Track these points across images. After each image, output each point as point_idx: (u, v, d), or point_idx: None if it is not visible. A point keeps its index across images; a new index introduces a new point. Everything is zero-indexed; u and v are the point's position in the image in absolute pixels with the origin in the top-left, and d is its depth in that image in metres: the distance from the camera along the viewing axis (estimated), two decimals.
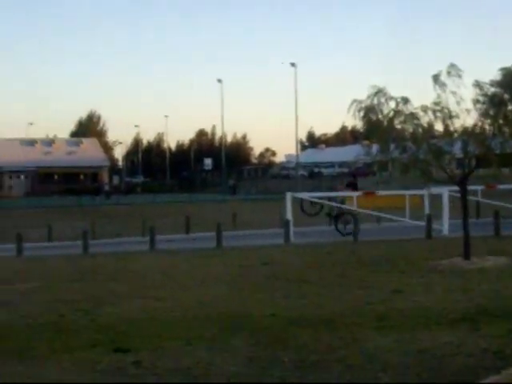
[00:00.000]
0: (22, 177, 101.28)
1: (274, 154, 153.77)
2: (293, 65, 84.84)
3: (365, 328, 10.09)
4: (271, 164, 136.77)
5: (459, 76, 17.07)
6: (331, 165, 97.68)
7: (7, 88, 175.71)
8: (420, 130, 17.86)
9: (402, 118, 17.82)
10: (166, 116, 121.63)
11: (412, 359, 8.40)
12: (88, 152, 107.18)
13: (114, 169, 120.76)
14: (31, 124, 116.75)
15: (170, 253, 23.38)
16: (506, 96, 17.32)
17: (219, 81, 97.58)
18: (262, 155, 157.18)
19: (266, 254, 21.04)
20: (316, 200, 26.98)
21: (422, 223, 25.59)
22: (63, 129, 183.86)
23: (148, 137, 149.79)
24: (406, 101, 17.70)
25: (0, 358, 8.98)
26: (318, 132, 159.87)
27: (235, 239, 26.94)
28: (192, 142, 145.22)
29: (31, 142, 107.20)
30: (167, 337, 9.88)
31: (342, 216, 27.07)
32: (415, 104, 17.75)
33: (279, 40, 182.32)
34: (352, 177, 31.07)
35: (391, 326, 10.13)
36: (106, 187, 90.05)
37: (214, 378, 7.97)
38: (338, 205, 27.37)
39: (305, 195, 30.05)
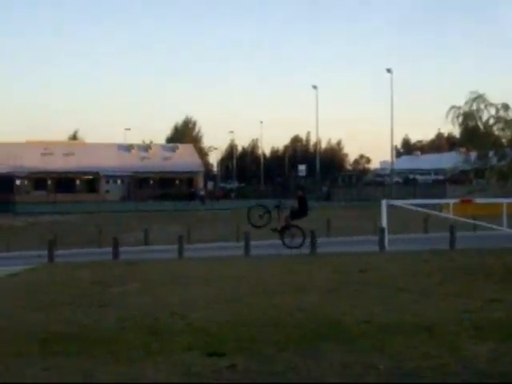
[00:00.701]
0: (119, 181, 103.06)
1: (368, 160, 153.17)
2: (388, 71, 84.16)
3: (461, 336, 9.89)
4: (366, 171, 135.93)
5: None
6: (427, 172, 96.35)
7: (105, 94, 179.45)
8: None
9: (501, 125, 17.46)
10: (260, 122, 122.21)
11: (509, 369, 8.19)
12: (183, 157, 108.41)
13: (208, 174, 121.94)
14: (128, 129, 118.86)
15: (263, 258, 23.41)
16: None
17: (314, 87, 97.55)
18: (356, 162, 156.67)
19: (361, 260, 20.88)
20: (262, 213, 26.37)
21: None
22: (159, 134, 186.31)
23: (243, 143, 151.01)
24: (506, 107, 17.34)
25: (97, 359, 9.10)
26: (413, 139, 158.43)
27: (329, 246, 26.83)
28: (286, 148, 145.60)
29: (128, 148, 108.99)
30: (261, 341, 9.86)
31: (287, 230, 26.35)
32: None
33: (374, 46, 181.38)
34: (300, 190, 30.22)
35: (488, 335, 9.90)
36: (202, 192, 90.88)
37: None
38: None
39: (399, 203, 29.73)
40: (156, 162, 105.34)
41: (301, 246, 25.29)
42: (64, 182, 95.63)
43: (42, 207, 70.73)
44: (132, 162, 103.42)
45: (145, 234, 35.49)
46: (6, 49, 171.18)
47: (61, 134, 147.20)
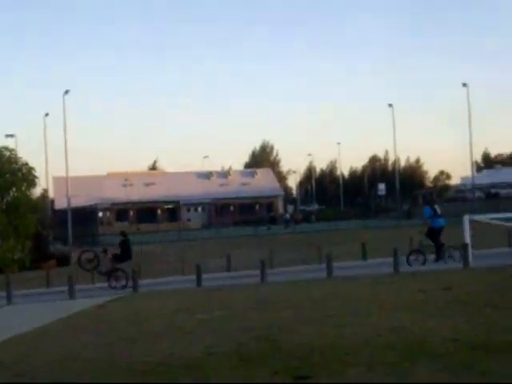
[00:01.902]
0: (199, 209, 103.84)
1: (448, 176, 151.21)
2: (464, 85, 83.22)
3: None
4: (447, 187, 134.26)
5: None
6: (509, 185, 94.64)
7: (182, 122, 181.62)
8: None
9: None
10: (338, 143, 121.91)
11: None
12: (262, 182, 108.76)
13: (288, 198, 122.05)
14: (206, 157, 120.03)
15: (347, 279, 23.27)
16: None
17: (390, 105, 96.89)
18: (436, 178, 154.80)
19: (445, 278, 20.55)
20: (91, 257, 28.78)
21: None
22: (237, 160, 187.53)
23: (321, 165, 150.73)
24: None
25: None
26: (493, 152, 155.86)
27: (412, 264, 26.52)
28: (365, 167, 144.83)
29: (207, 175, 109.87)
30: (348, 363, 9.77)
31: (113, 272, 28.30)
32: None
33: (448, 62, 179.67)
34: (122, 235, 31.34)
35: None
36: (287, 216, 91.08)
37: None
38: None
39: (483, 218, 29.21)
40: (235, 188, 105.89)
41: (124, 287, 27.40)
42: (145, 212, 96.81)
43: None
44: (211, 189, 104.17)
45: (227, 259, 35.64)
46: (86, 84, 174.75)
47: (141, 164, 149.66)
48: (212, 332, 13.62)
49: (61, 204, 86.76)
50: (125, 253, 28.49)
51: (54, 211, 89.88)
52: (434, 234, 26.60)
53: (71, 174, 79.83)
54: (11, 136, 70.03)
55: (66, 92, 73.13)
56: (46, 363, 11.64)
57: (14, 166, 9.34)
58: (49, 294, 28.97)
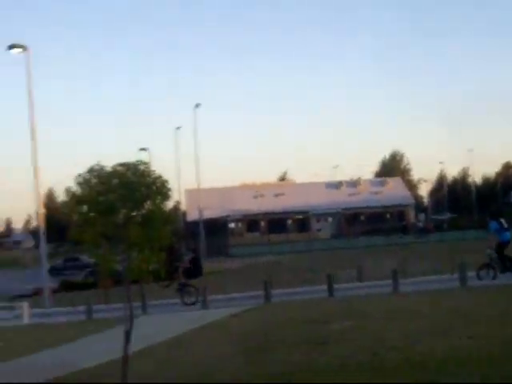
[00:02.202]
0: (329, 219, 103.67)
1: None
2: None
3: None
4: None
5: None
6: None
7: (311, 133, 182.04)
8: None
9: None
10: (469, 150, 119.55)
11: None
12: (393, 191, 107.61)
13: (419, 207, 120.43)
14: (336, 167, 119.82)
15: (481, 289, 22.78)
16: None
17: None
18: None
19: None
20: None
21: None
22: (367, 170, 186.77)
23: (452, 172, 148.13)
24: None
25: None
26: None
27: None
28: (498, 175, 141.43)
29: (337, 185, 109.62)
30: (488, 376, 9.57)
31: (185, 288, 28.82)
32: None
33: None
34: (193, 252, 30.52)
35: None
36: (420, 224, 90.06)
37: None
38: None
39: None
40: (365, 198, 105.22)
41: (194, 303, 27.94)
42: (276, 223, 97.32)
43: (255, 248, 72.40)
44: (341, 199, 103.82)
45: (358, 270, 35.45)
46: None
47: (271, 176, 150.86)
48: (344, 342, 13.59)
49: (193, 216, 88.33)
50: (195, 269, 29.27)
51: (186, 223, 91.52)
52: (500, 248, 25.79)
53: (203, 185, 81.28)
54: (144, 149, 71.72)
55: (197, 105, 74.59)
56: (180, 375, 11.87)
57: (149, 179, 9.64)
58: (182, 305, 29.46)
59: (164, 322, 22.63)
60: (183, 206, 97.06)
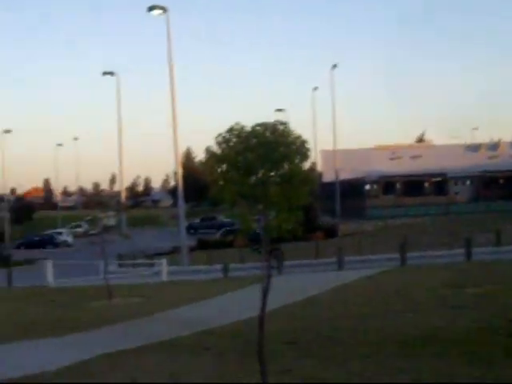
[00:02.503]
0: (468, 182, 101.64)
1: None
2: None
3: None
4: None
5: None
6: None
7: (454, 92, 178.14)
8: None
9: None
10: None
11: None
12: None
13: None
14: (475, 129, 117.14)
15: None
16: None
17: None
18: None
19: None
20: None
21: None
22: (508, 132, 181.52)
23: None
24: None
25: (453, 360, 9.07)
26: None
27: None
28: None
29: (476, 148, 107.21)
30: None
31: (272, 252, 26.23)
32: None
33: None
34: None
35: None
36: None
37: None
38: None
39: None
40: (505, 161, 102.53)
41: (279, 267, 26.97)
42: (412, 186, 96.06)
43: (391, 211, 71.87)
44: (480, 162, 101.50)
45: (496, 234, 34.69)
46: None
47: (408, 138, 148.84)
48: (481, 307, 13.39)
49: (328, 177, 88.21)
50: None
51: (322, 184, 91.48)
52: None
53: (338, 147, 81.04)
54: (281, 110, 71.84)
55: (334, 66, 74.21)
56: (317, 333, 11.96)
57: (288, 139, 9.75)
58: (317, 265, 29.63)
59: (299, 282, 22.80)
60: (319, 167, 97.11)
